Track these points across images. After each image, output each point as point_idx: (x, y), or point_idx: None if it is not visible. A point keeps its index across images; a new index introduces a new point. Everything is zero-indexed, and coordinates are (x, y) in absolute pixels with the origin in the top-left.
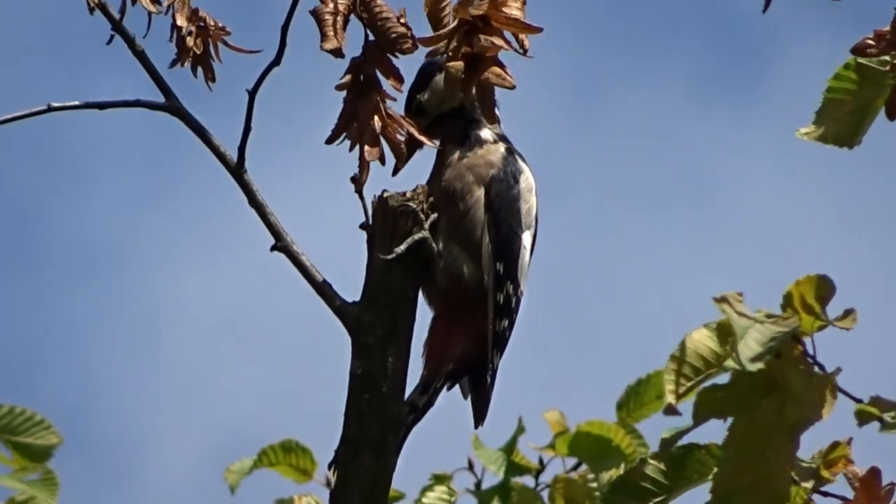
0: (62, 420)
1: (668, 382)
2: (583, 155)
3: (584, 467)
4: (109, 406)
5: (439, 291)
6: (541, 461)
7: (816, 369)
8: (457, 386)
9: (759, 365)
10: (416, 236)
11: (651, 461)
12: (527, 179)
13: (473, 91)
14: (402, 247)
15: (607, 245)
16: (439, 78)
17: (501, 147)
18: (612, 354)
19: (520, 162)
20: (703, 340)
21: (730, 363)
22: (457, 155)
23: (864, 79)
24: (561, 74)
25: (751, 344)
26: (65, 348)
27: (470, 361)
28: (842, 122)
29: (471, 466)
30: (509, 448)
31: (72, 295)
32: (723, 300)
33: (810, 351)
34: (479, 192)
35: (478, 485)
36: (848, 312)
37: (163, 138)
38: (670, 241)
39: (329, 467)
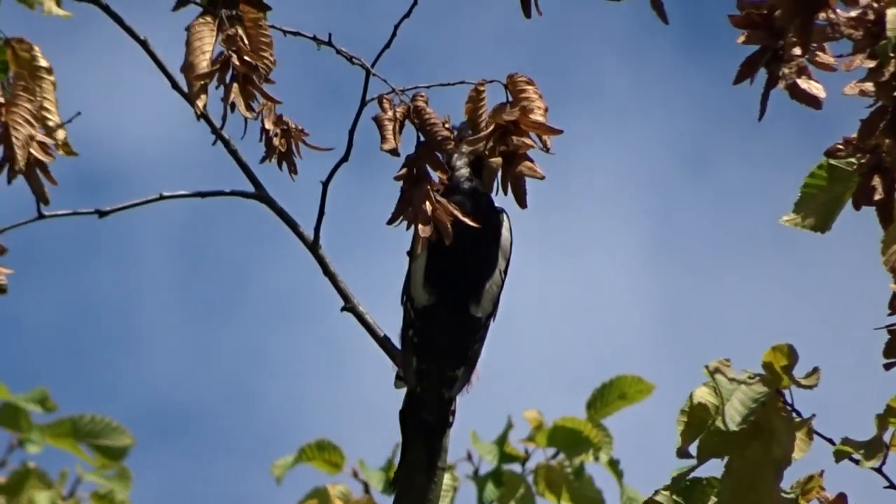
0: (272, 427)
1: (679, 431)
2: (697, 206)
3: (561, 456)
4: (309, 414)
5: None
6: (526, 451)
7: (795, 416)
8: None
9: (743, 426)
10: None
11: (663, 492)
12: None
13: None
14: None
15: (711, 280)
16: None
17: None
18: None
19: None
20: (704, 396)
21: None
22: None
23: (834, 176)
24: (685, 143)
25: (736, 405)
26: (273, 375)
27: None
28: (815, 212)
29: (469, 457)
30: (501, 441)
31: (273, 335)
32: (715, 370)
33: (789, 401)
34: None
35: (476, 472)
36: (813, 371)
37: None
38: (758, 279)
39: (392, 483)
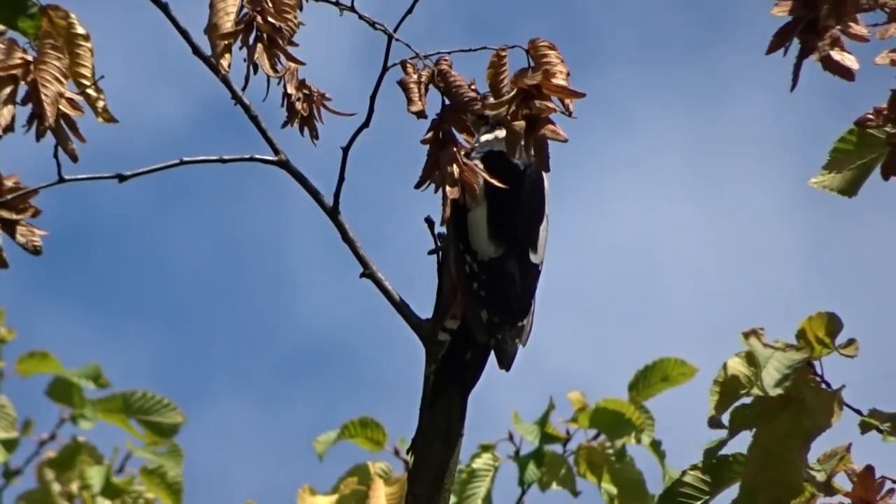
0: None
1: (712, 401)
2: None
3: (602, 437)
4: None
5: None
6: (567, 432)
7: (825, 387)
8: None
9: (779, 390)
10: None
11: (691, 472)
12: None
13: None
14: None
15: (857, 221)
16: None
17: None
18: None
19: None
20: (737, 367)
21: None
22: None
23: (863, 142)
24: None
25: (772, 371)
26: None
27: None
28: (843, 176)
29: (511, 437)
30: (542, 422)
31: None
32: (750, 334)
33: (819, 372)
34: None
35: (517, 452)
36: (850, 342)
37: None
38: None
39: (407, 452)
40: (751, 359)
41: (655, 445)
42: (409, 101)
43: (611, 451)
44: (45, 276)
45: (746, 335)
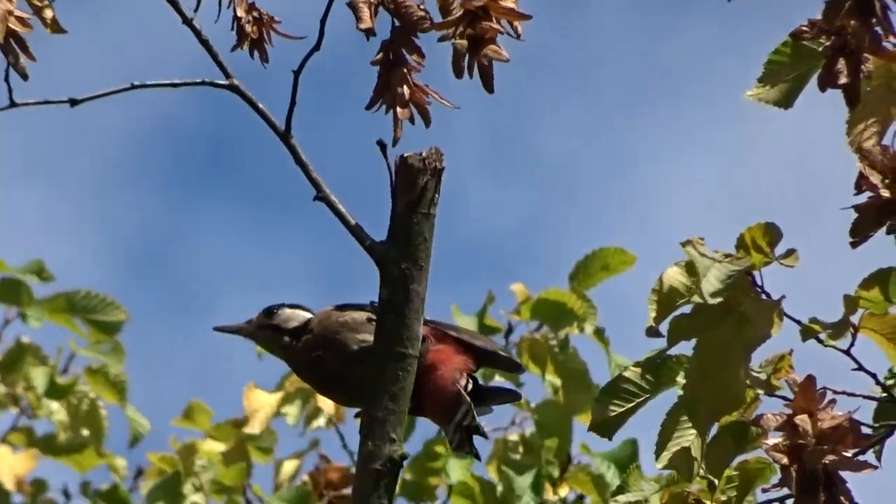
0: None
1: (651, 310)
2: None
3: (545, 328)
4: None
5: None
6: (509, 324)
7: (765, 297)
8: None
9: (719, 298)
10: None
11: (633, 369)
12: None
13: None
14: None
15: None
16: None
17: None
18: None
19: None
20: (675, 276)
21: (696, 296)
22: None
23: (798, 54)
24: None
25: (711, 280)
26: None
27: None
28: (778, 88)
29: None
30: (481, 314)
31: None
32: (688, 243)
33: (759, 283)
34: None
35: None
36: (790, 252)
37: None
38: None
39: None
40: (690, 268)
41: (599, 333)
42: (359, 19)
43: (554, 341)
44: (203, 181)
45: (684, 244)
